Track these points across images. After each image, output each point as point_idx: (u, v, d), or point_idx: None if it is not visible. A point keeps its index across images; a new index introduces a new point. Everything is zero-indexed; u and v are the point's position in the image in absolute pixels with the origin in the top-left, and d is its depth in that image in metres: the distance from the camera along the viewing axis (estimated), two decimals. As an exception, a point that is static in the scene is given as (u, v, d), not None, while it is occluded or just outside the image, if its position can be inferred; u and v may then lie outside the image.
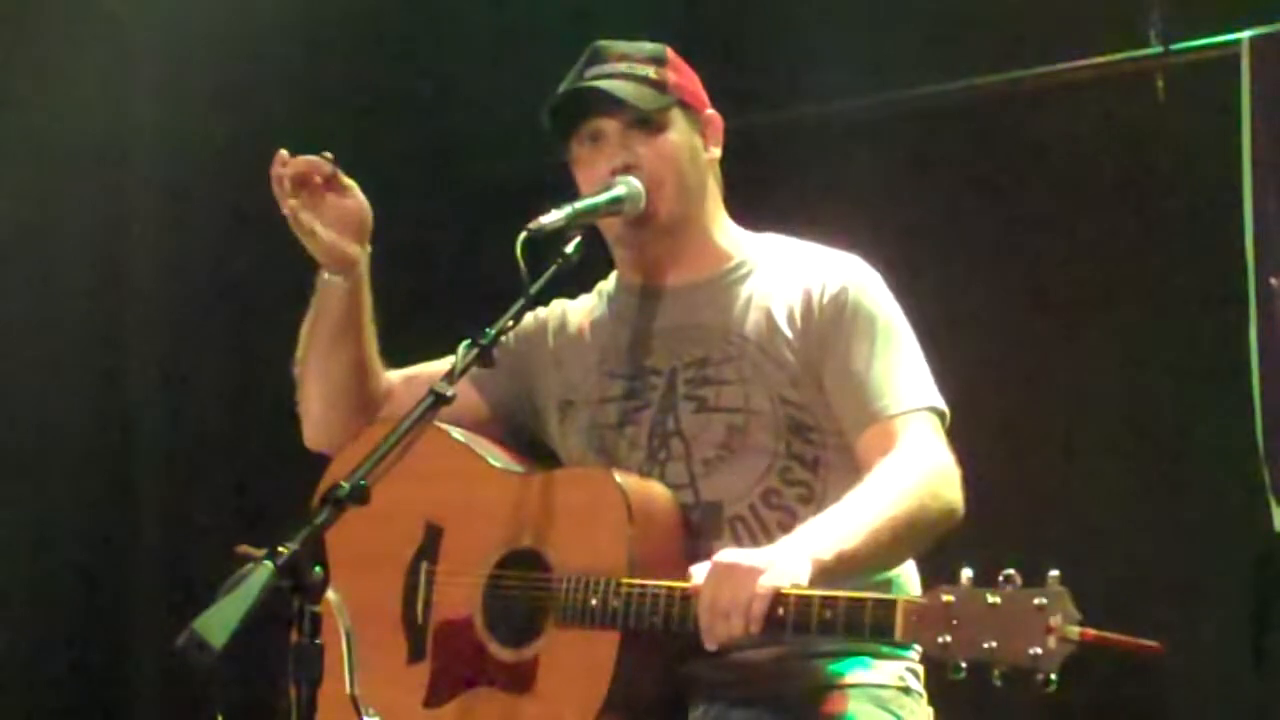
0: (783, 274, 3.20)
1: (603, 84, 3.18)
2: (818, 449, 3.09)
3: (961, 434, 3.11)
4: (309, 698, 2.52)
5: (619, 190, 3.14)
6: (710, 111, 3.29)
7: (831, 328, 3.11)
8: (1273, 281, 4.55)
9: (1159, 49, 4.70)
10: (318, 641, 2.52)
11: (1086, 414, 4.88)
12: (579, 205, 3.11)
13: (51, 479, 5.23)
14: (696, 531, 3.05)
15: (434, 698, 3.11)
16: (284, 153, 3.17)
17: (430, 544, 3.19)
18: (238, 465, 5.39)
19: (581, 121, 3.21)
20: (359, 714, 3.00)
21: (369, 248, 3.26)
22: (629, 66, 3.21)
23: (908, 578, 3.14)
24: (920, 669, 3.14)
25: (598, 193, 3.15)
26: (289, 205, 3.16)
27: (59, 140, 5.19)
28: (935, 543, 2.99)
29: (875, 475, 2.98)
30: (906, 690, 3.10)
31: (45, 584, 5.21)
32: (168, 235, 5.41)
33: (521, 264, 2.96)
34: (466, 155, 5.62)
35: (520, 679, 3.01)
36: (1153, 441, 4.78)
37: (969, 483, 3.03)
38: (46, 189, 5.18)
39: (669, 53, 3.28)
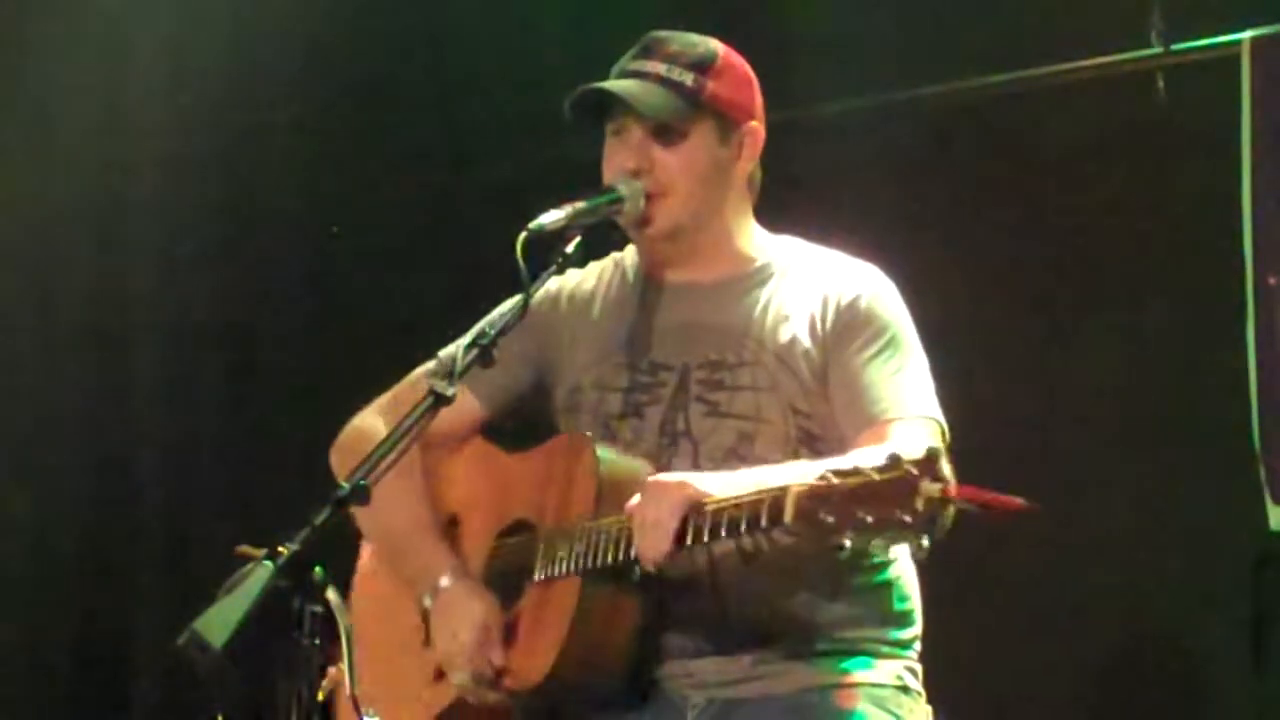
0: (803, 281, 3.18)
1: (629, 86, 3.15)
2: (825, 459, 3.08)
3: (959, 434, 3.11)
4: (309, 697, 2.52)
5: (618, 191, 3.13)
6: (753, 124, 3.21)
7: (841, 334, 3.11)
8: (1272, 281, 4.55)
9: (1159, 49, 4.70)
10: (318, 641, 2.53)
11: (1085, 414, 4.88)
12: (579, 205, 3.10)
13: (52, 478, 5.23)
14: None
15: (440, 674, 3.16)
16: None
17: (449, 535, 3.28)
18: (238, 465, 5.39)
19: (606, 116, 3.19)
20: (359, 713, 3.01)
21: None
22: (669, 69, 3.16)
23: (904, 572, 3.13)
24: (919, 667, 3.14)
25: (597, 193, 3.14)
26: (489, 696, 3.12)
27: (58, 140, 5.20)
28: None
29: (857, 450, 2.95)
30: (905, 690, 3.10)
31: (46, 584, 5.21)
32: (168, 235, 5.41)
33: (521, 264, 2.97)
34: (468, 155, 5.62)
35: (507, 638, 3.09)
36: (1152, 441, 4.77)
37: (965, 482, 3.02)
38: (46, 189, 5.19)
39: (721, 57, 3.21)
